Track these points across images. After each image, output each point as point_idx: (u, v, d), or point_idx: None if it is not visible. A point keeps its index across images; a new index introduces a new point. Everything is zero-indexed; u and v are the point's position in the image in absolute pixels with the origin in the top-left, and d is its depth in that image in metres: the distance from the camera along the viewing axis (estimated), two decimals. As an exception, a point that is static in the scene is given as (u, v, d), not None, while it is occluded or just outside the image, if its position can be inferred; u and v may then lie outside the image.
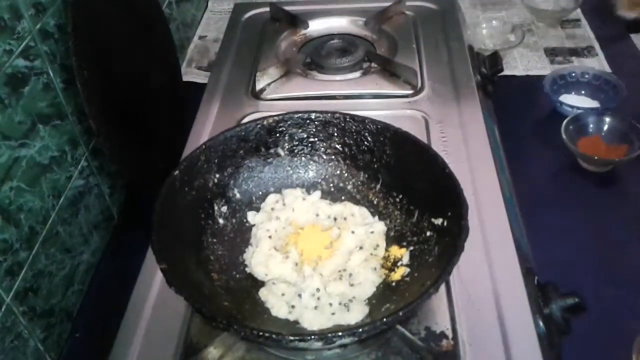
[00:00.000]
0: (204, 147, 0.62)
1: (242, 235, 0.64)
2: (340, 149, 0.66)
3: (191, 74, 1.20)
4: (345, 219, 0.63)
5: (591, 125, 0.96)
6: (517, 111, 1.04)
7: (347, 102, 0.84)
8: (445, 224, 0.56)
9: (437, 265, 0.54)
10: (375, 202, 0.65)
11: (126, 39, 0.85)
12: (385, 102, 0.84)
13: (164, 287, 0.54)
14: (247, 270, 0.60)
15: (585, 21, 1.26)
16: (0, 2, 0.64)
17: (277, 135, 0.66)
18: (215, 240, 0.62)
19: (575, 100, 1.04)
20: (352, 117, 0.65)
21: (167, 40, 1.01)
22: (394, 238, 0.62)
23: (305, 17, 0.99)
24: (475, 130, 0.77)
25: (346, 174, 0.67)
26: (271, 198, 0.66)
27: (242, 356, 0.55)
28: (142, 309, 0.60)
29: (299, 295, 0.56)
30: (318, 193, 0.66)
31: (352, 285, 0.57)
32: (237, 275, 0.60)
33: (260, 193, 0.66)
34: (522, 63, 1.17)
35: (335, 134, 0.66)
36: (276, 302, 0.56)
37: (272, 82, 0.87)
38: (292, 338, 0.46)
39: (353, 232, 0.61)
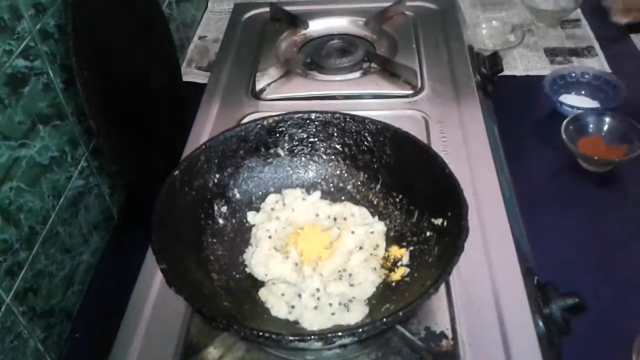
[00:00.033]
0: (204, 147, 0.62)
1: (242, 235, 0.64)
2: (340, 149, 0.66)
3: (191, 74, 1.20)
4: (345, 219, 0.63)
5: (591, 126, 0.96)
6: (517, 111, 1.04)
7: (347, 102, 0.84)
8: (445, 224, 0.56)
9: (437, 265, 0.54)
10: (375, 202, 0.65)
11: (126, 39, 0.85)
12: (385, 102, 0.84)
13: (164, 287, 0.54)
14: (247, 270, 0.60)
15: (585, 21, 1.27)
16: (0, 2, 0.64)
17: (277, 135, 0.66)
18: (215, 240, 0.62)
19: (575, 101, 1.04)
20: (352, 117, 0.65)
21: (167, 40, 1.01)
22: (393, 238, 0.62)
23: (305, 17, 0.99)
24: (475, 131, 0.77)
25: (346, 174, 0.67)
26: (271, 198, 0.66)
27: (242, 356, 0.55)
28: (142, 309, 0.60)
29: (299, 296, 0.56)
30: (318, 193, 0.66)
31: (352, 285, 0.57)
32: (237, 276, 0.60)
33: (260, 193, 0.66)
34: (522, 63, 1.17)
35: (335, 134, 0.66)
36: (276, 302, 0.56)
37: (272, 82, 0.87)
38: (291, 338, 0.46)
39: (353, 232, 0.61)
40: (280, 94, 0.86)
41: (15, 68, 0.66)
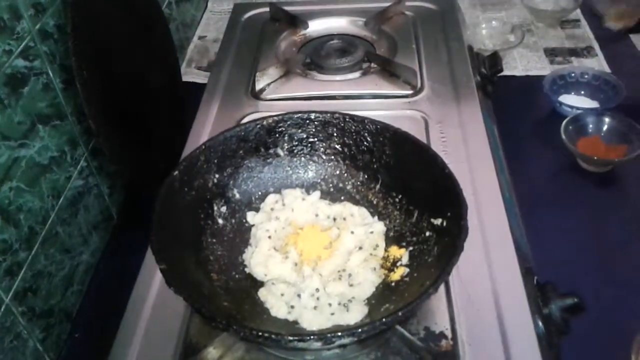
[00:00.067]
0: (203, 147, 0.62)
1: (241, 235, 0.64)
2: (340, 149, 0.66)
3: (191, 74, 1.20)
4: (344, 219, 0.63)
5: (590, 126, 0.96)
6: (517, 111, 1.04)
7: (346, 102, 0.84)
8: (444, 224, 0.56)
9: (436, 265, 0.54)
10: (374, 202, 0.65)
11: (126, 39, 0.85)
12: (384, 102, 0.84)
13: (164, 287, 0.54)
14: (247, 270, 0.60)
15: (585, 21, 1.27)
16: (0, 3, 0.64)
17: (277, 135, 0.66)
18: (214, 240, 0.62)
19: (574, 101, 1.04)
20: (352, 117, 0.65)
21: (166, 40, 1.01)
22: (393, 238, 0.62)
23: (305, 17, 0.99)
24: (474, 131, 0.77)
25: (346, 174, 0.67)
26: (271, 198, 0.66)
27: (242, 356, 0.55)
28: (142, 309, 0.60)
29: (299, 296, 0.56)
30: (317, 193, 0.66)
31: (351, 285, 0.57)
32: (237, 276, 0.60)
33: (260, 193, 0.66)
34: (521, 63, 1.17)
35: (335, 134, 0.66)
36: (275, 302, 0.56)
37: (271, 82, 0.87)
38: (291, 338, 0.46)
39: (352, 232, 0.61)
40: (279, 94, 0.86)
41: (14, 68, 0.66)
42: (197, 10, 1.35)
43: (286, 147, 0.67)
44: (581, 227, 0.85)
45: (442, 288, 0.58)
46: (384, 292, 0.57)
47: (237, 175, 0.65)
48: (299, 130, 0.66)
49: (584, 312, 0.59)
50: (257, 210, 0.65)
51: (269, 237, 0.61)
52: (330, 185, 0.67)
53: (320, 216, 0.64)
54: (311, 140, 0.67)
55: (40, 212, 0.71)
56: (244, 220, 0.65)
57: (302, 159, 0.67)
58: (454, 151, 0.73)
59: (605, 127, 0.96)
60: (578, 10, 1.28)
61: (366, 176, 0.66)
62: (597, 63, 1.15)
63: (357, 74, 0.88)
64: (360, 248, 0.60)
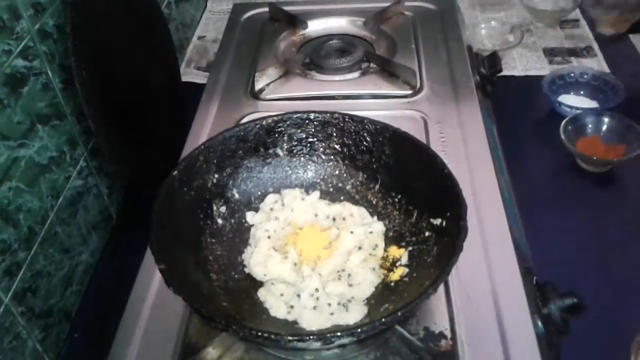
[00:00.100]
0: (202, 147, 0.62)
1: (240, 235, 0.63)
2: (339, 149, 0.66)
3: (190, 75, 1.20)
4: (344, 219, 0.63)
5: (590, 126, 0.96)
6: (516, 111, 1.04)
7: (346, 103, 0.84)
8: (444, 224, 0.56)
9: (435, 265, 0.54)
10: (374, 202, 0.65)
11: (125, 39, 0.85)
12: (384, 102, 0.84)
13: (163, 287, 0.54)
14: (246, 270, 0.60)
15: (584, 21, 1.27)
16: None
17: (276, 135, 0.66)
18: (214, 240, 0.62)
19: (574, 101, 1.04)
20: (351, 117, 0.65)
21: (166, 40, 1.01)
22: (392, 238, 0.62)
23: (304, 17, 0.99)
24: (474, 131, 0.77)
25: (345, 174, 0.67)
26: (270, 198, 0.66)
27: (241, 356, 0.55)
28: (141, 309, 0.60)
29: (298, 296, 0.56)
30: (317, 193, 0.66)
31: (350, 285, 0.57)
32: (236, 276, 0.60)
33: (259, 193, 0.66)
34: (521, 63, 1.17)
35: (334, 134, 0.66)
36: (275, 302, 0.56)
37: (271, 82, 0.87)
38: (290, 338, 0.46)
39: (352, 232, 0.61)
40: (279, 94, 0.86)
41: (14, 68, 0.66)
42: (196, 10, 1.35)
43: (285, 147, 0.67)
44: (580, 227, 0.85)
45: (441, 288, 0.58)
46: (384, 292, 0.57)
47: (236, 175, 0.65)
48: (299, 130, 0.66)
49: (583, 312, 0.59)
50: (256, 210, 0.65)
51: (269, 237, 0.61)
52: (330, 185, 0.67)
53: (319, 216, 0.64)
54: (310, 140, 0.67)
55: (40, 212, 0.71)
56: (244, 220, 0.65)
57: (302, 159, 0.67)
58: (453, 151, 0.73)
59: (604, 127, 0.96)
60: (577, 10, 1.28)
61: (365, 176, 0.66)
62: (597, 63, 1.15)
63: (356, 74, 0.88)
64: (360, 248, 0.60)
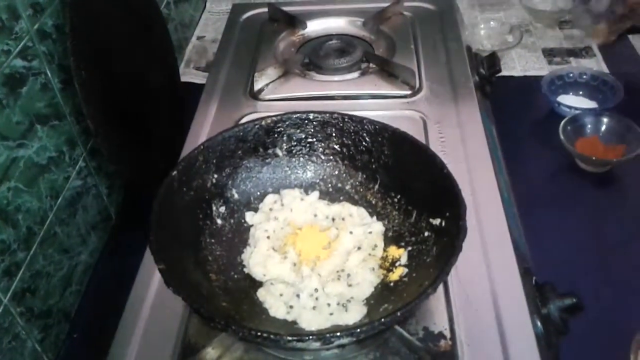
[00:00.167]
0: (202, 147, 0.62)
1: (240, 235, 0.63)
2: (339, 149, 0.66)
3: (189, 75, 1.19)
4: (343, 219, 0.63)
5: (589, 126, 0.96)
6: (515, 112, 1.04)
7: (345, 103, 0.84)
8: (443, 224, 0.56)
9: (435, 265, 0.54)
10: (373, 203, 0.65)
11: (124, 39, 0.85)
12: (383, 102, 0.84)
13: (162, 287, 0.54)
14: (245, 270, 0.60)
15: (583, 22, 1.27)
16: (-2, 3, 0.64)
17: (276, 135, 0.66)
18: (213, 240, 0.62)
19: (573, 101, 1.04)
20: (350, 117, 0.65)
21: (165, 40, 1.01)
22: (392, 238, 0.62)
23: (303, 17, 0.99)
24: (473, 131, 0.77)
25: (344, 175, 0.67)
26: (269, 198, 0.66)
27: (240, 357, 0.55)
28: (140, 310, 0.60)
29: (297, 296, 0.56)
30: (316, 193, 0.66)
31: (350, 285, 0.57)
32: (235, 276, 0.60)
33: (259, 193, 0.66)
34: (520, 64, 1.17)
35: (334, 135, 0.66)
36: (274, 302, 0.56)
37: (270, 82, 0.87)
38: (290, 338, 0.46)
39: (351, 232, 0.61)
40: (278, 94, 0.86)
41: (13, 68, 0.66)
42: (195, 11, 1.35)
43: (285, 147, 0.67)
44: (580, 227, 0.85)
45: (440, 288, 0.58)
46: (383, 292, 0.57)
47: (235, 176, 0.65)
48: (298, 131, 0.66)
49: (582, 312, 0.59)
50: (255, 210, 0.65)
51: (268, 237, 0.61)
52: (329, 185, 0.67)
53: (319, 216, 0.64)
54: (310, 140, 0.67)
55: (39, 212, 0.71)
56: (243, 221, 0.65)
57: (301, 159, 0.67)
58: (452, 151, 0.73)
59: (603, 128, 0.96)
60: (576, 11, 1.28)
61: (365, 176, 0.66)
62: (596, 63, 1.15)
63: (355, 74, 0.88)
64: (359, 248, 0.60)
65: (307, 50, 0.94)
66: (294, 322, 0.55)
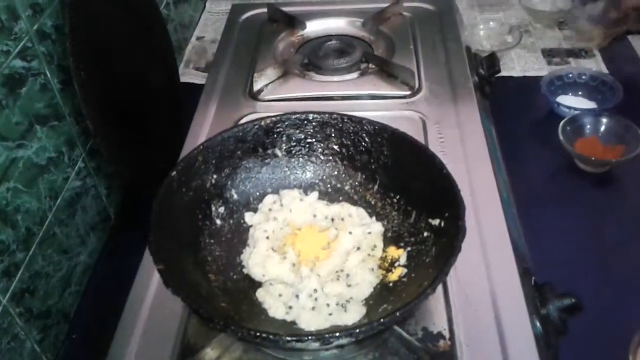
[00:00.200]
0: (201, 147, 0.62)
1: (239, 236, 0.63)
2: (338, 149, 0.66)
3: (189, 75, 1.19)
4: (342, 219, 0.63)
5: (588, 126, 0.96)
6: (515, 112, 1.04)
7: (344, 103, 0.84)
8: (442, 224, 0.56)
9: (434, 265, 0.54)
10: (372, 203, 0.65)
11: (123, 39, 0.85)
12: (382, 103, 0.84)
13: (161, 288, 0.54)
14: (245, 271, 0.60)
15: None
16: (-2, 3, 0.64)
17: (275, 136, 0.66)
18: (212, 241, 0.62)
19: (572, 101, 1.04)
20: (350, 117, 0.65)
21: (164, 41, 1.01)
22: (391, 239, 0.62)
23: (302, 18, 0.99)
24: (472, 131, 0.77)
25: (344, 175, 0.67)
26: (268, 199, 0.66)
27: (240, 357, 0.55)
28: (139, 310, 0.60)
29: (297, 296, 0.56)
30: (315, 194, 0.66)
31: (349, 285, 0.57)
32: (235, 276, 0.60)
33: (258, 194, 0.66)
34: (519, 64, 1.17)
35: (333, 135, 0.66)
36: (273, 302, 0.56)
37: (269, 83, 0.87)
38: (289, 339, 0.46)
39: (350, 232, 0.61)
40: (277, 95, 0.86)
41: (12, 69, 0.66)
42: (195, 11, 1.35)
43: (284, 147, 0.67)
44: (579, 227, 0.85)
45: (439, 288, 0.58)
46: (382, 292, 0.57)
47: (235, 176, 0.65)
48: (297, 131, 0.66)
49: (581, 313, 0.59)
50: (255, 210, 0.65)
51: (267, 237, 0.61)
52: (328, 185, 0.67)
53: (318, 217, 0.64)
54: (309, 140, 0.67)
55: (38, 212, 0.71)
56: (242, 221, 0.65)
57: (300, 159, 0.67)
58: (451, 152, 0.73)
59: (602, 128, 0.96)
60: (576, 11, 1.28)
61: (364, 177, 0.66)
62: (595, 64, 1.15)
63: (355, 75, 0.88)
64: (358, 248, 0.60)
65: (306, 50, 0.94)
66: (293, 323, 0.55)
